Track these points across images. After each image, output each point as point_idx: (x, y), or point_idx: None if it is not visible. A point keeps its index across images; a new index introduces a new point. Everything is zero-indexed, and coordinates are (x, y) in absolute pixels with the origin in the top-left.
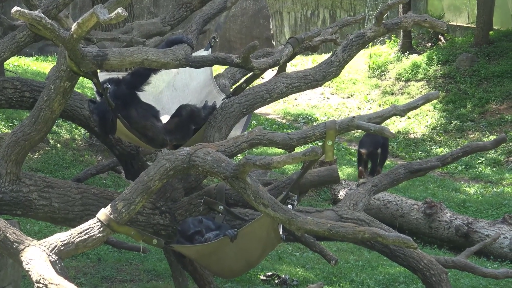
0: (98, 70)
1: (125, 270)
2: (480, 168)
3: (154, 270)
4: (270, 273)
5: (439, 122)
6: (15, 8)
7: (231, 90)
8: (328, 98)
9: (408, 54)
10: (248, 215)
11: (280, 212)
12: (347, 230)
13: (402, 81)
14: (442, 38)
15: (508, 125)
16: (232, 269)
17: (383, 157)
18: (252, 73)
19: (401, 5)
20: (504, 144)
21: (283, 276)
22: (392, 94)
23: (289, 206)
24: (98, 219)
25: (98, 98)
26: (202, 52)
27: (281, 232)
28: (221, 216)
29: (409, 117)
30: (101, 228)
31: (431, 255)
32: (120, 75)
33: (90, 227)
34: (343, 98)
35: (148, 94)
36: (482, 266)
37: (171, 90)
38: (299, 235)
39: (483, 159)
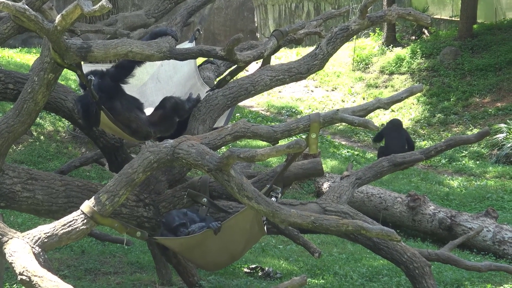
0: (82, 62)
1: (109, 263)
2: (463, 161)
3: (137, 262)
4: (253, 266)
5: (423, 115)
6: None
7: (215, 82)
8: (312, 91)
9: (392, 47)
10: (232, 208)
11: (264, 205)
12: (331, 222)
13: (386, 74)
14: (426, 31)
15: (492, 118)
16: (215, 262)
17: (410, 149)
18: (236, 65)
19: None
20: (488, 137)
21: (266, 268)
22: (376, 87)
23: (273, 198)
24: (81, 211)
25: (82, 90)
26: (186, 45)
27: (264, 225)
28: (205, 208)
29: (393, 110)
30: (85, 220)
31: (415, 248)
32: (104, 67)
33: (73, 219)
34: (327, 91)
35: (132, 86)
36: (465, 259)
37: (155, 82)
38: (283, 227)
39: (466, 152)
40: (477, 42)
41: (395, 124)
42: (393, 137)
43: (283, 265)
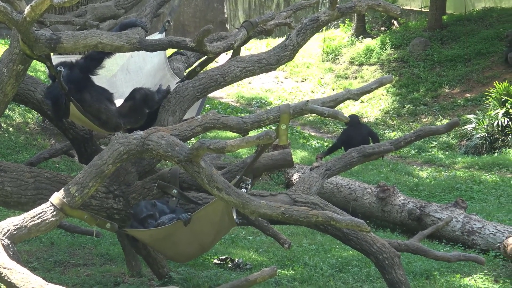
0: (52, 54)
1: (78, 254)
2: (432, 152)
3: (107, 254)
4: (223, 257)
5: (392, 106)
6: None
7: (185, 73)
8: (282, 82)
9: (362, 38)
10: (202, 199)
11: (234, 196)
12: (301, 213)
13: (356, 65)
14: (395, 22)
15: (461, 109)
16: (185, 253)
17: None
18: (206, 56)
19: None
20: (457, 128)
21: (236, 260)
22: (346, 78)
23: (243, 189)
24: (51, 203)
25: (51, 81)
26: (156, 36)
27: (234, 216)
28: (175, 200)
29: (362, 101)
30: (54, 212)
31: (384, 238)
32: (73, 58)
33: (43, 211)
34: (297, 82)
35: (101, 78)
36: (434, 250)
37: (125, 73)
38: (253, 218)
39: (435, 143)
40: (446, 33)
41: (353, 120)
42: (354, 134)
43: (253, 256)
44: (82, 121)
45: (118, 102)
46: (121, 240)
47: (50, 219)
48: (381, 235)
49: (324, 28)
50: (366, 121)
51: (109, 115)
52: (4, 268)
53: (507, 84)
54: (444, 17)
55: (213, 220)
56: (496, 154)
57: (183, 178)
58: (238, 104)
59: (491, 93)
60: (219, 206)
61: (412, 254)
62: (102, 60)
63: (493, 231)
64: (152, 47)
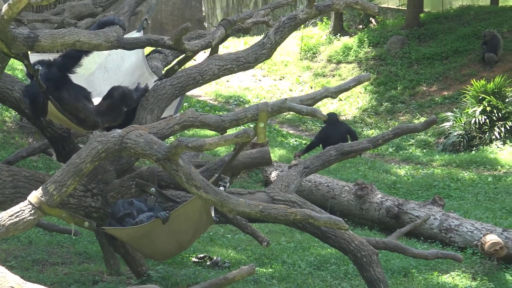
0: (29, 52)
1: (56, 253)
2: (410, 150)
3: (85, 252)
4: (202, 255)
5: (370, 104)
6: None
7: (163, 72)
8: (260, 80)
9: (340, 36)
10: (180, 197)
11: (212, 194)
12: (279, 212)
13: (334, 63)
14: (373, 20)
15: (438, 107)
16: (164, 251)
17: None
18: (184, 55)
19: None
20: (434, 125)
21: (215, 258)
22: (324, 76)
23: (221, 188)
24: (29, 201)
25: (29, 80)
26: (134, 34)
27: (213, 214)
28: (153, 198)
29: (340, 99)
30: (32, 211)
31: (362, 236)
32: (51, 57)
33: (21, 210)
34: (275, 80)
35: (79, 76)
36: (412, 247)
37: (103, 72)
38: (231, 217)
39: (413, 141)
40: (424, 31)
41: (331, 118)
42: (333, 132)
43: (232, 254)
44: (60, 120)
45: (96, 100)
46: (99, 239)
47: (28, 218)
48: (359, 233)
49: (302, 26)
50: (344, 119)
51: (87, 114)
52: None
53: (484, 82)
54: (422, 15)
55: (192, 218)
56: (473, 152)
57: (162, 176)
58: (216, 102)
59: (469, 91)
60: (198, 204)
61: (390, 252)
62: (80, 59)
63: (470, 229)
64: (130, 45)
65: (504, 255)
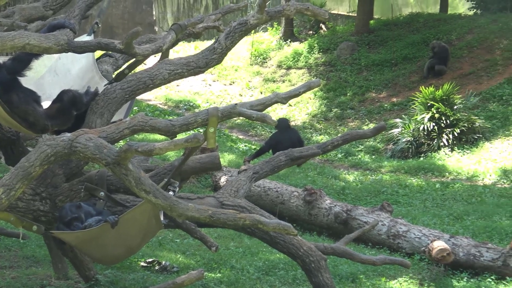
0: None
1: (4, 257)
2: (359, 156)
3: (33, 256)
4: (150, 260)
5: (320, 110)
6: None
7: (113, 76)
8: (210, 85)
9: (290, 41)
10: (129, 202)
11: (161, 199)
12: (228, 217)
13: (284, 68)
14: (323, 26)
15: (387, 113)
16: (112, 256)
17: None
18: (134, 59)
19: None
20: (383, 132)
21: (163, 262)
22: (274, 81)
23: (171, 192)
24: None
25: None
26: (84, 38)
27: (162, 219)
28: (102, 202)
29: (290, 105)
30: None
31: (311, 241)
32: (0, 60)
33: None
34: (225, 85)
35: (29, 79)
36: (360, 253)
37: (52, 75)
38: (180, 221)
39: (362, 147)
40: (373, 38)
41: (283, 124)
42: (283, 138)
43: (180, 259)
44: (9, 123)
45: (46, 104)
46: (48, 243)
47: None
48: (308, 238)
49: (253, 31)
50: (294, 124)
51: (36, 117)
52: None
53: (433, 89)
54: (372, 21)
55: (141, 222)
56: (421, 158)
57: (111, 180)
58: (166, 107)
59: (417, 98)
60: (147, 208)
61: (339, 258)
62: (30, 62)
63: (418, 235)
64: (81, 49)
65: (451, 261)
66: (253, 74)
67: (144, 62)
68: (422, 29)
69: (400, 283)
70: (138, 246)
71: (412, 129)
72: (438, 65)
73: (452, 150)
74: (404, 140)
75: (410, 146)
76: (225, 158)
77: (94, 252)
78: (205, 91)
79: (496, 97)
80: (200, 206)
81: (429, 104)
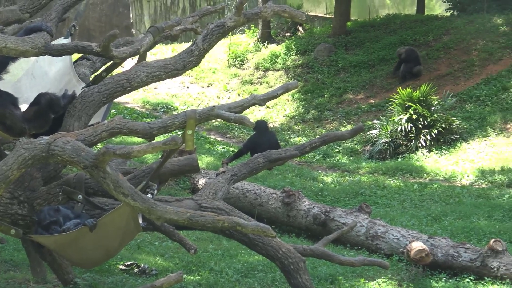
0: None
1: None
2: (337, 157)
3: (11, 260)
4: (129, 263)
5: (298, 112)
6: None
7: (90, 79)
8: (187, 87)
9: (267, 43)
10: (107, 205)
11: (140, 201)
12: (207, 219)
13: (261, 70)
14: (300, 28)
15: (365, 114)
16: (91, 259)
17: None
18: (112, 62)
19: None
20: (361, 133)
21: (142, 265)
22: (251, 83)
23: (149, 195)
24: None
25: None
26: (61, 41)
27: (140, 221)
28: (80, 205)
29: (268, 107)
30: None
31: (289, 243)
32: None
33: None
34: (203, 87)
35: (6, 82)
36: (339, 254)
37: (30, 78)
38: (159, 224)
39: (340, 148)
40: (350, 39)
41: (261, 126)
42: (261, 140)
43: (159, 261)
44: None
45: (23, 107)
46: (26, 246)
47: None
48: (287, 240)
49: (230, 33)
50: (272, 126)
51: (13, 120)
52: None
53: (410, 90)
54: (349, 23)
55: (119, 225)
56: (399, 159)
57: (89, 183)
58: (143, 109)
59: (395, 99)
60: (125, 211)
61: (317, 259)
62: (6, 65)
63: (396, 236)
64: (58, 52)
65: (429, 262)
66: (231, 76)
67: (122, 65)
68: (399, 31)
69: (379, 284)
70: (117, 249)
71: (389, 130)
72: (416, 66)
73: (430, 151)
74: (382, 141)
75: (388, 147)
76: (203, 160)
77: (72, 256)
78: (183, 93)
79: (473, 98)
80: (179, 208)
81: (406, 105)
